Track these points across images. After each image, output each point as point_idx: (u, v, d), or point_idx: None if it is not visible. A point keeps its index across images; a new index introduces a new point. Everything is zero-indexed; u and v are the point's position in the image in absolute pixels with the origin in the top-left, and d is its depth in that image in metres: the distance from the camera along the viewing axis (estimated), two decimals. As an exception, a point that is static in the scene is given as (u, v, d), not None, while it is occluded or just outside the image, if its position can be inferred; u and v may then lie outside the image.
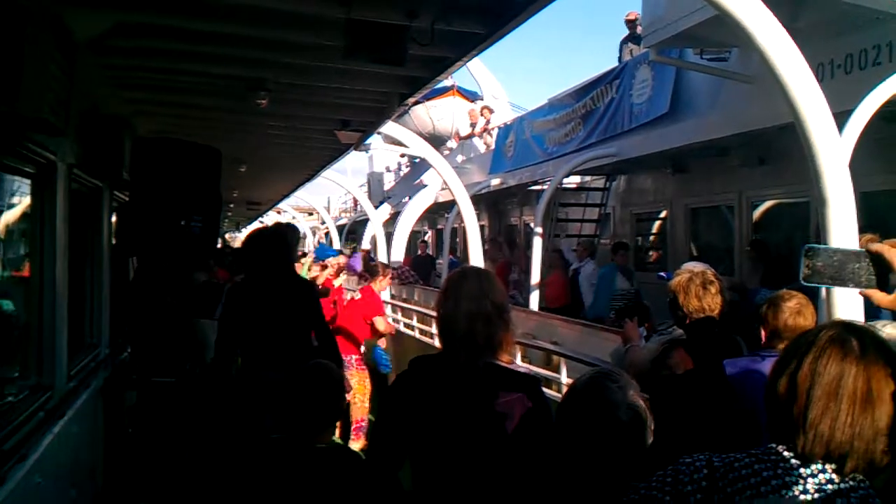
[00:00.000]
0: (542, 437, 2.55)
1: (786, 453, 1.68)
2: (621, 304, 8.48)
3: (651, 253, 13.20)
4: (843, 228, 3.63)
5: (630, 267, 10.25)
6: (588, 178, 14.14)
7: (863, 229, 3.90)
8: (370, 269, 9.21)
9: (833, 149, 3.66)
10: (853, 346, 1.69)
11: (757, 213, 10.09)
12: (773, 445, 1.71)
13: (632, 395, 2.26)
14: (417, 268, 17.15)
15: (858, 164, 4.08)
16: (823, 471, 1.64)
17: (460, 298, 2.70)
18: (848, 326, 1.76)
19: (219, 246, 11.08)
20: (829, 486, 1.62)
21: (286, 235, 5.92)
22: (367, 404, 8.21)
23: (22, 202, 4.38)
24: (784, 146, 7.86)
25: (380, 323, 8.31)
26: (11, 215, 4.41)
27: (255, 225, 33.00)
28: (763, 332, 3.53)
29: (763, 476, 1.67)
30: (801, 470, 1.65)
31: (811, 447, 1.65)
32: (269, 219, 30.37)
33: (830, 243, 3.61)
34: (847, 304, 3.54)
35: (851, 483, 1.62)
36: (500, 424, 2.53)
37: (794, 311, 3.41)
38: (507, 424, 2.54)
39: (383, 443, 2.76)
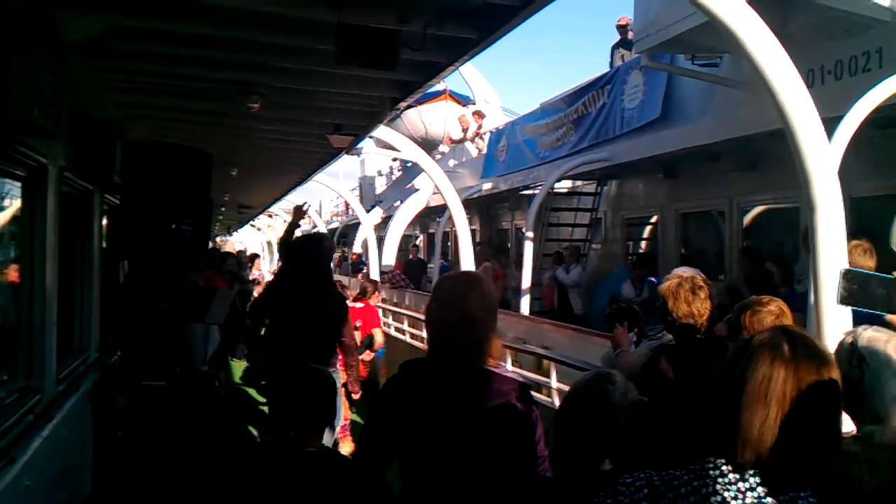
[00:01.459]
0: (529, 441, 2.56)
1: (724, 467, 1.62)
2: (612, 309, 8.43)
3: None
4: (831, 233, 3.64)
5: (643, 285, 10.00)
6: (579, 183, 14.15)
7: (853, 234, 3.91)
8: None
9: (822, 154, 3.67)
10: (783, 350, 1.63)
11: (747, 219, 10.11)
12: (712, 459, 1.64)
13: (630, 399, 2.29)
14: (409, 272, 17.13)
15: (848, 170, 4.10)
16: (761, 483, 1.59)
17: (447, 302, 2.70)
18: (782, 331, 1.71)
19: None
20: (769, 499, 1.57)
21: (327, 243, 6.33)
22: (347, 402, 8.28)
23: (12, 205, 4.36)
24: (774, 151, 7.87)
25: None
26: (1, 218, 4.40)
27: (247, 229, 32.99)
28: None
29: (702, 494, 1.60)
30: (740, 484, 1.59)
31: (742, 454, 1.59)
32: (261, 222, 30.31)
33: (818, 248, 3.63)
34: (834, 313, 3.54)
35: (791, 494, 1.58)
36: (488, 428, 2.53)
37: (776, 315, 3.40)
38: (495, 428, 2.54)
39: (371, 445, 2.76)
